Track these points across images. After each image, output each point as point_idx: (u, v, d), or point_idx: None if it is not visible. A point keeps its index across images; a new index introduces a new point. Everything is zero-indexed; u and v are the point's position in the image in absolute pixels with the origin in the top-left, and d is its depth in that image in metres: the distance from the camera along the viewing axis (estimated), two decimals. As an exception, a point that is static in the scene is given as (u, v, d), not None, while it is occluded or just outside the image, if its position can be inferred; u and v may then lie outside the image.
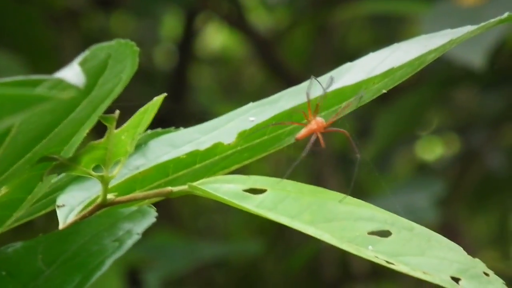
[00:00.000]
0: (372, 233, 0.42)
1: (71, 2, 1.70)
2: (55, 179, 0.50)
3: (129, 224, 0.44)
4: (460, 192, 1.61)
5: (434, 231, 0.43)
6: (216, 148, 0.48)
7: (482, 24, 0.48)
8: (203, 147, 0.49)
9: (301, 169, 1.67)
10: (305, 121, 0.49)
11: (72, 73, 0.35)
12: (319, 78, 0.50)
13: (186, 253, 1.46)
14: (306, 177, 1.68)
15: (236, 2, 1.71)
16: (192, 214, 1.93)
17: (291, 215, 0.43)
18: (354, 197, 0.45)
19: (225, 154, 0.49)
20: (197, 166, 0.49)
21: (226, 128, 0.51)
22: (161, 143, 0.52)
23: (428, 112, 1.67)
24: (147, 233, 0.44)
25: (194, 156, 0.49)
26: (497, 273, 0.42)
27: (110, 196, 0.47)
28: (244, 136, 0.48)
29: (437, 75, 1.49)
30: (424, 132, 1.83)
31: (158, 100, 0.47)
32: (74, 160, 0.46)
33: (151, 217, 0.44)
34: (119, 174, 0.48)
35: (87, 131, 0.46)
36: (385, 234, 0.43)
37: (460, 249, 0.42)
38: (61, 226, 0.48)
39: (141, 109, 0.47)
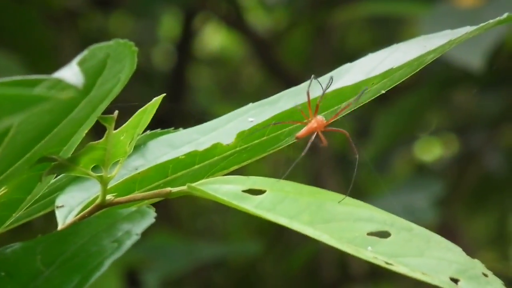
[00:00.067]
0: (371, 233, 0.42)
1: (70, 2, 1.69)
2: (54, 179, 0.50)
3: (128, 225, 0.44)
4: (459, 192, 1.61)
5: (433, 231, 0.43)
6: (215, 148, 0.48)
7: (481, 24, 0.48)
8: (202, 147, 0.49)
9: (300, 170, 1.67)
10: (305, 120, 0.49)
11: (71, 73, 0.35)
12: (319, 79, 0.50)
13: (185, 254, 1.46)
14: (305, 177, 1.68)
15: (235, 2, 1.71)
16: (191, 215, 1.93)
17: (290, 216, 0.43)
18: (353, 197, 0.45)
19: (224, 155, 0.49)
20: (196, 166, 0.49)
21: (225, 129, 0.51)
22: (160, 143, 0.52)
23: (427, 113, 1.67)
24: (146, 233, 0.44)
25: (193, 157, 0.48)
26: (496, 273, 0.42)
27: (109, 196, 0.47)
28: (243, 136, 0.48)
29: (436, 76, 1.49)
30: (423, 132, 1.83)
31: (157, 100, 0.47)
32: (73, 161, 0.46)
33: (150, 217, 0.44)
34: (118, 174, 0.48)
35: (86, 131, 0.46)
36: (384, 234, 0.42)
37: (459, 249, 0.42)
38: (60, 226, 0.48)
39: (140, 110, 0.47)
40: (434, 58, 0.49)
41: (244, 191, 0.45)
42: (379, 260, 0.41)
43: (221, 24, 1.87)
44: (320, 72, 0.52)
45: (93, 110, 0.43)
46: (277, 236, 1.77)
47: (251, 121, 0.50)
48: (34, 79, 0.34)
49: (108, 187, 0.47)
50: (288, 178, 0.46)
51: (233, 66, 2.16)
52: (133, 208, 0.45)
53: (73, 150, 0.46)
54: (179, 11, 1.79)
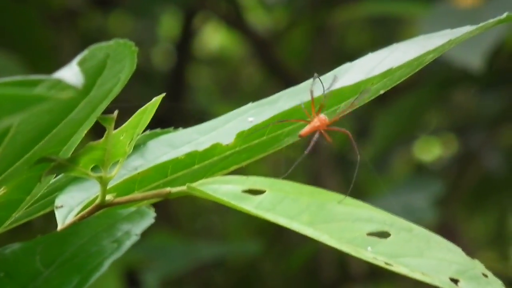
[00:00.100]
0: (371, 234, 0.42)
1: (70, 2, 1.69)
2: (53, 179, 0.50)
3: (127, 225, 0.44)
4: (458, 192, 1.61)
5: (433, 231, 0.43)
6: (215, 148, 0.48)
7: (481, 24, 0.48)
8: (202, 147, 0.49)
9: (299, 170, 1.67)
10: (308, 119, 0.49)
11: (71, 73, 0.35)
12: (321, 77, 0.50)
13: (185, 254, 1.46)
14: (305, 177, 1.68)
15: (234, 2, 1.71)
16: (191, 215, 1.93)
17: (290, 216, 0.43)
18: (352, 197, 0.45)
19: (224, 155, 0.49)
20: (196, 166, 0.49)
21: (225, 129, 0.51)
22: (159, 143, 0.52)
23: (427, 112, 1.67)
24: (145, 233, 0.44)
25: (192, 157, 0.48)
26: (496, 273, 0.42)
27: (108, 197, 0.47)
28: (243, 136, 0.48)
29: (436, 76, 1.49)
30: (423, 132, 1.83)
31: (157, 100, 0.47)
32: (73, 161, 0.46)
33: (150, 218, 0.44)
34: (118, 174, 0.48)
35: (85, 131, 0.46)
36: (384, 235, 0.42)
37: (459, 250, 0.42)
38: (59, 227, 0.48)
39: (140, 110, 0.47)
40: (434, 58, 0.49)
41: (243, 191, 0.45)
42: (379, 260, 0.41)
43: (221, 24, 1.87)
44: (320, 71, 0.52)
45: (93, 110, 0.43)
46: (276, 236, 1.77)
47: (251, 121, 0.50)
48: (34, 79, 0.34)
49: (108, 187, 0.47)
50: (288, 178, 0.46)
51: (233, 65, 2.16)
52: (133, 208, 0.45)
53: (73, 150, 0.46)
54: (179, 10, 1.79)
